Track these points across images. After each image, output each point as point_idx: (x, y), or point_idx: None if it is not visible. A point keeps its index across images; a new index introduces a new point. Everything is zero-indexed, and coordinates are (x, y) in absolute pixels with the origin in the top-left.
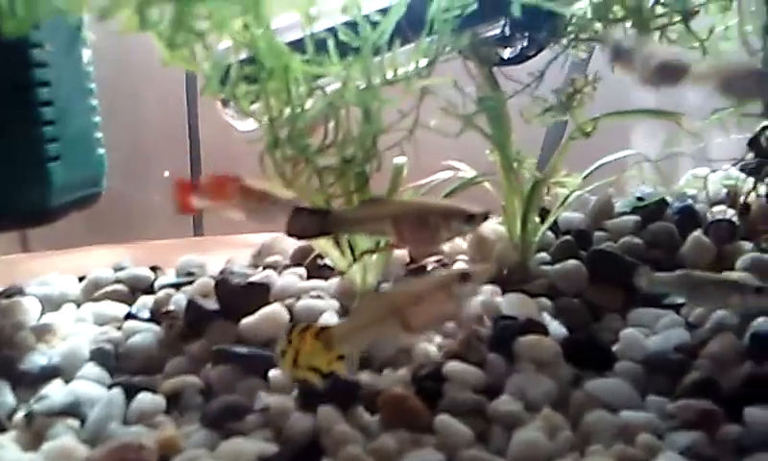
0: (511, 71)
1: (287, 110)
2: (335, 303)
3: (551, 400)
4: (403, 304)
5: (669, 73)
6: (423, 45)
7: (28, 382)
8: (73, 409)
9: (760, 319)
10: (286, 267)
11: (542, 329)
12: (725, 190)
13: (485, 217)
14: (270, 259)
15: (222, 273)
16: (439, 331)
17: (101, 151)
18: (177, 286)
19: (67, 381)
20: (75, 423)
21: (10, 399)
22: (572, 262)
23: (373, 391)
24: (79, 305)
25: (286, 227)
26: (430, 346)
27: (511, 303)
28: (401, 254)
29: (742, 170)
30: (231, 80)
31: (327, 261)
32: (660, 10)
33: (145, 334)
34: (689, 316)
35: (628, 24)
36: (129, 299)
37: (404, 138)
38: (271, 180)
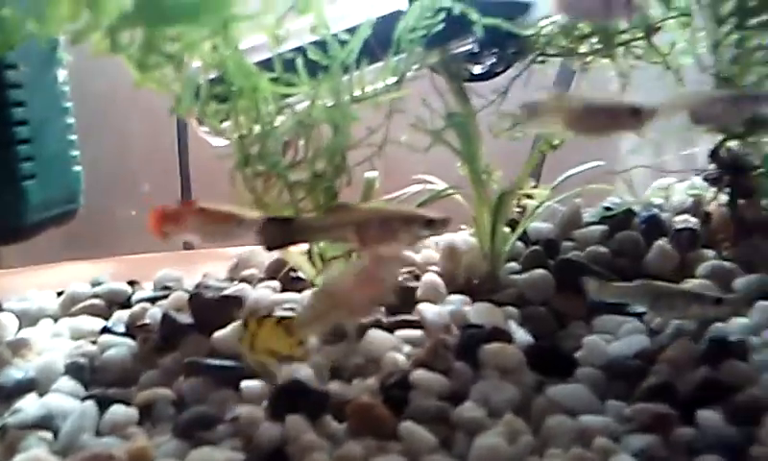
0: (479, 87)
1: (256, 128)
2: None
3: (514, 406)
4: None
5: (597, 117)
6: (391, 63)
7: (3, 396)
8: (46, 422)
9: (718, 324)
10: (261, 280)
11: (507, 337)
12: (690, 199)
13: (444, 223)
14: (245, 273)
15: (197, 287)
16: (407, 340)
17: (77, 168)
18: (152, 300)
19: (42, 395)
20: (48, 435)
21: None
22: (539, 272)
23: (342, 400)
24: (56, 320)
25: (258, 239)
26: (399, 355)
27: (479, 312)
28: None
29: (705, 180)
30: (201, 99)
31: (300, 274)
32: (623, 26)
33: (120, 348)
34: (652, 323)
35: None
36: (106, 313)
37: (374, 154)
38: (240, 196)
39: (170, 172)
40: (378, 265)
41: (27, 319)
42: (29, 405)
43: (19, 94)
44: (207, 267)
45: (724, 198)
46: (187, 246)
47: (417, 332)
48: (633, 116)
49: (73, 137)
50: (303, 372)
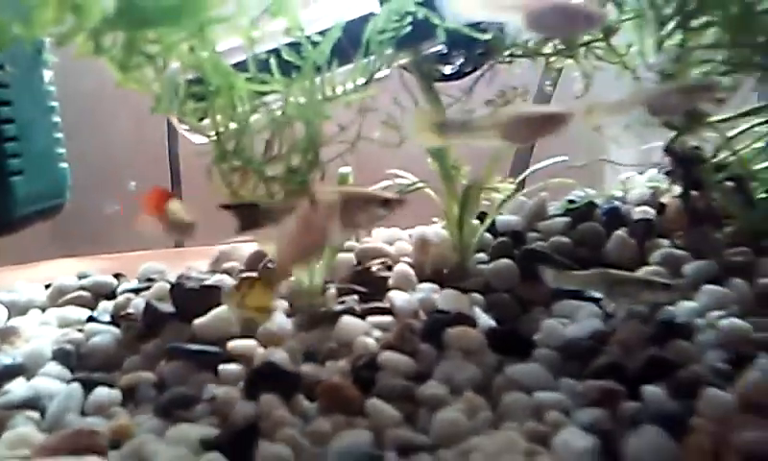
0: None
1: (233, 125)
2: (284, 303)
3: (475, 384)
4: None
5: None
6: (362, 64)
7: None
8: (33, 402)
9: (669, 307)
10: (241, 271)
11: (471, 322)
12: (649, 191)
13: (399, 203)
14: (227, 265)
15: (179, 278)
16: (377, 326)
17: (63, 165)
18: (136, 291)
19: (30, 379)
20: (35, 414)
21: None
22: (504, 261)
23: (315, 381)
24: (44, 310)
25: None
26: (369, 339)
27: (446, 299)
28: (348, 256)
29: (663, 173)
30: (180, 98)
31: None
32: None
33: (104, 335)
34: (608, 307)
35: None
36: (92, 304)
37: (347, 150)
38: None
39: (159, 167)
40: (311, 213)
41: (16, 309)
42: (17, 388)
43: (6, 94)
44: (197, 263)
45: (678, 190)
46: (178, 243)
47: (387, 318)
48: (561, 121)
49: (59, 135)
50: (278, 355)
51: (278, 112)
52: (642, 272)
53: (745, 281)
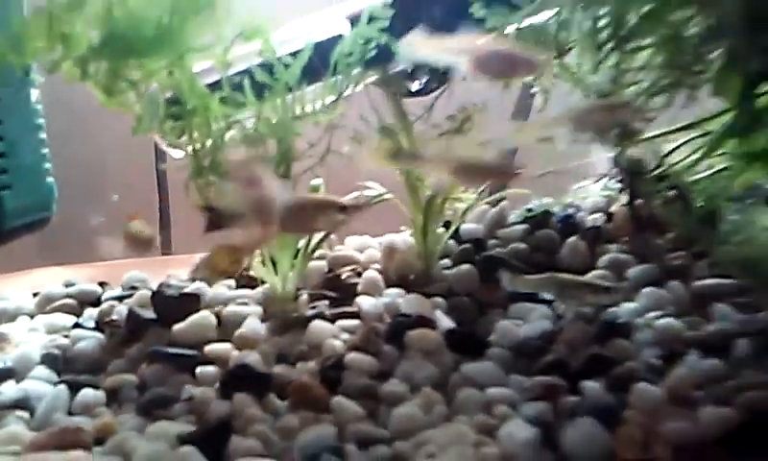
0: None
1: (209, 142)
2: (258, 309)
3: (433, 381)
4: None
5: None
6: (330, 83)
7: None
8: (23, 403)
9: (611, 309)
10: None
11: (431, 324)
12: (603, 200)
13: (356, 208)
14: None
15: (159, 286)
16: (345, 329)
17: (50, 180)
18: (120, 299)
19: (19, 381)
20: (25, 414)
21: None
22: (466, 267)
23: (285, 381)
24: (32, 317)
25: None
26: (337, 342)
27: (409, 303)
28: (320, 264)
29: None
30: (160, 117)
31: (252, 273)
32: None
33: (90, 341)
34: (558, 309)
35: None
36: (77, 311)
37: (317, 164)
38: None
39: (145, 180)
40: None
41: (5, 316)
42: (8, 389)
43: None
44: (177, 272)
45: (625, 199)
46: (165, 252)
47: (355, 322)
48: (504, 172)
49: (45, 151)
50: (252, 357)
51: (252, 130)
52: (590, 276)
53: (682, 284)
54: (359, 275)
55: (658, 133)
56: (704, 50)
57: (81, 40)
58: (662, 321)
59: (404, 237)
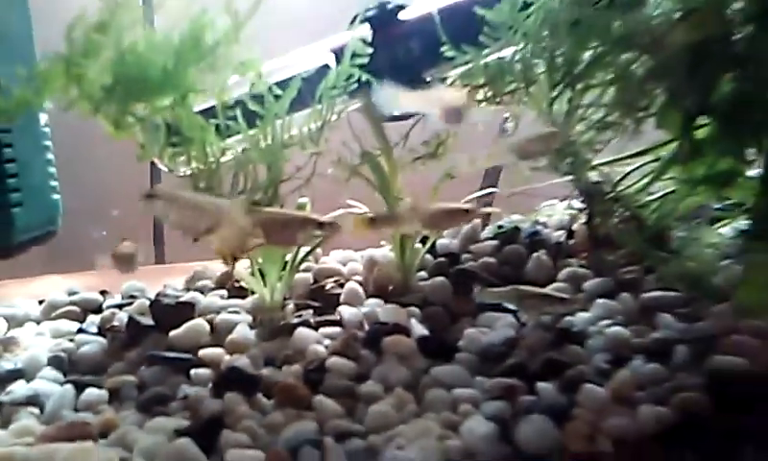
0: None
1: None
2: (248, 317)
3: (405, 383)
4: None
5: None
6: (316, 111)
7: None
8: (33, 400)
9: (566, 318)
10: (212, 289)
11: (406, 331)
12: (568, 218)
13: (333, 226)
14: (200, 283)
15: (157, 295)
16: (328, 336)
17: (56, 196)
18: (120, 306)
19: (29, 381)
20: (35, 410)
21: None
22: (439, 279)
23: (272, 382)
24: (38, 323)
25: None
26: (320, 347)
27: (386, 312)
28: (306, 276)
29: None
30: (161, 145)
31: (243, 284)
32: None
33: (93, 345)
34: (522, 318)
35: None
36: (81, 317)
37: (303, 185)
38: None
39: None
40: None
41: (14, 322)
42: (19, 388)
43: (8, 137)
44: (174, 281)
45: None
46: (159, 261)
47: (337, 329)
48: (466, 214)
49: (52, 170)
50: (242, 361)
51: (243, 155)
52: (551, 288)
53: (632, 296)
54: (342, 286)
55: (610, 159)
56: (647, 88)
57: (95, 82)
58: (613, 329)
59: (384, 252)
